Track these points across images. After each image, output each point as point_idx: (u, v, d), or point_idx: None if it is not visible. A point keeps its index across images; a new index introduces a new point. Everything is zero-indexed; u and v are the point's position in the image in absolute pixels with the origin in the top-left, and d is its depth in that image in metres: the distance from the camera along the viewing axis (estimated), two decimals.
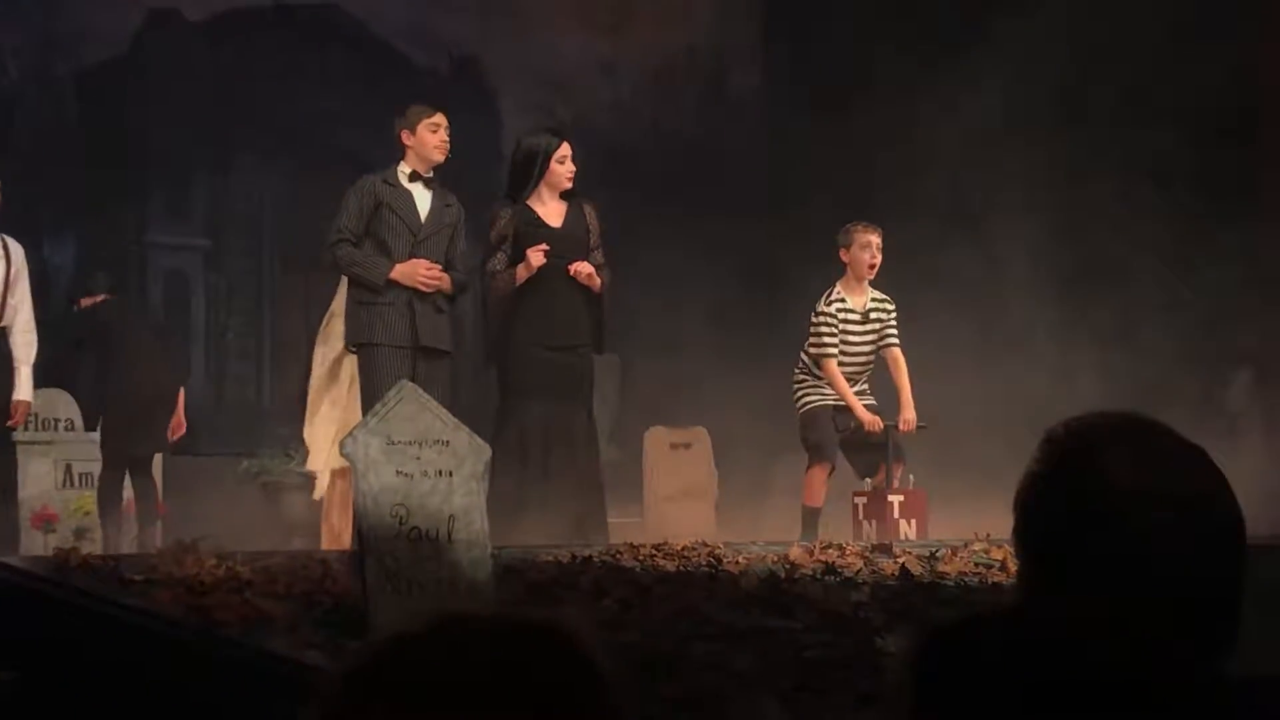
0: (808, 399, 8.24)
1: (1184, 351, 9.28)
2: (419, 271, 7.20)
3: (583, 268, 7.54)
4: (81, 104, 12.26)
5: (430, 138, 7.32)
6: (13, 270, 7.80)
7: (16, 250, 7.91)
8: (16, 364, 7.77)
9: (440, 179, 7.43)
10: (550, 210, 7.64)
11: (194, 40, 12.56)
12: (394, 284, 7.21)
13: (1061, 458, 1.60)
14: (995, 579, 5.54)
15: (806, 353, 8.24)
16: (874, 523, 7.90)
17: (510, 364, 7.61)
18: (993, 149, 9.76)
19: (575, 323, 7.62)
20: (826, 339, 8.12)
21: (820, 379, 8.15)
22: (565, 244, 7.59)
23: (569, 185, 7.69)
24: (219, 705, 4.01)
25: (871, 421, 8.02)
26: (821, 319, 8.15)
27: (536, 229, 7.56)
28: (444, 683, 1.19)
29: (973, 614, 1.54)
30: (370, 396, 7.09)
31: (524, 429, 7.44)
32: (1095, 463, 1.58)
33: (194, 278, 11.91)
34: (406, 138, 7.35)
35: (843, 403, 8.09)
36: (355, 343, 7.35)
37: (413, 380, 6.87)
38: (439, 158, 7.37)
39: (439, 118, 7.38)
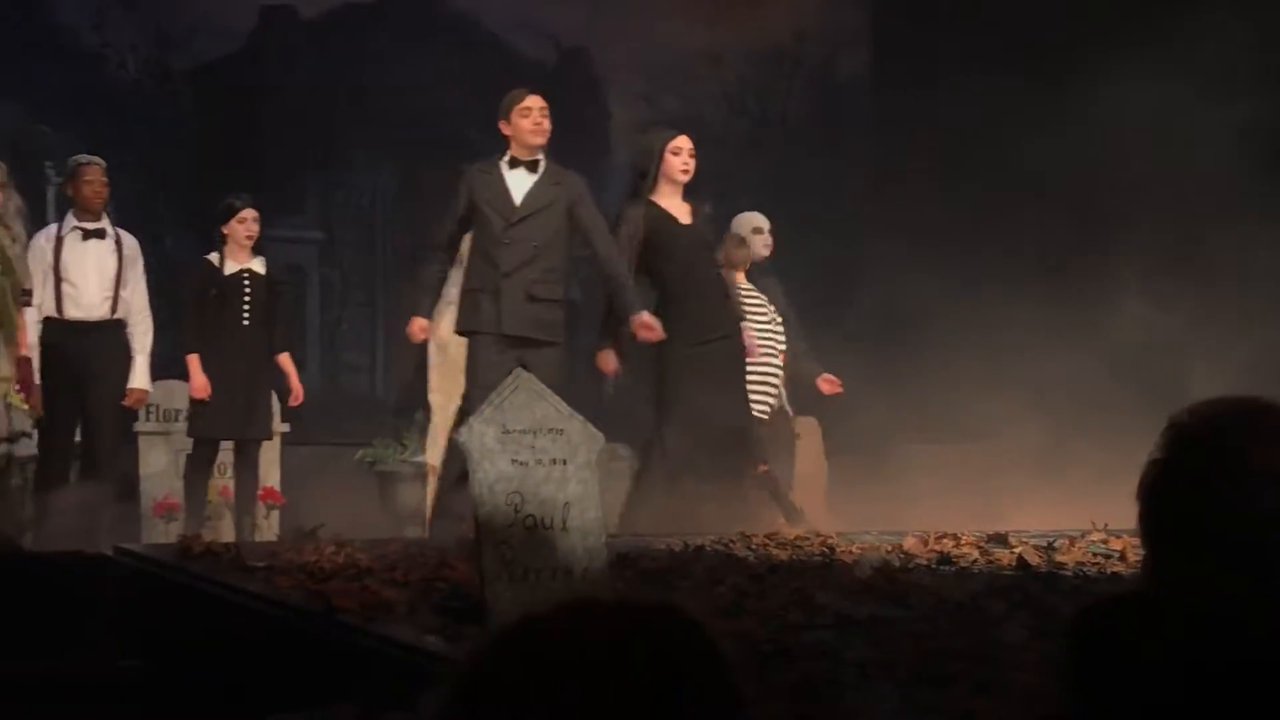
0: None
1: None
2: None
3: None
4: (197, 100, 12.46)
5: (523, 123, 7.18)
6: (126, 262, 7.95)
7: (130, 243, 8.06)
8: (133, 353, 7.93)
9: (552, 158, 7.34)
10: (676, 206, 7.60)
11: (306, 36, 12.73)
12: (484, 267, 7.15)
13: (1187, 444, 1.59)
14: (1114, 569, 5.48)
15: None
16: None
17: (663, 364, 7.59)
18: (1104, 124, 9.60)
19: (720, 313, 7.61)
20: None
21: None
22: (696, 241, 7.59)
23: (685, 179, 7.62)
24: (340, 690, 4.07)
25: None
26: None
27: (670, 225, 7.54)
28: (570, 663, 1.21)
29: (1124, 593, 1.54)
30: (470, 383, 7.17)
31: (685, 425, 7.41)
32: (1221, 448, 1.56)
33: (309, 270, 12.07)
34: (504, 127, 7.25)
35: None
36: (459, 331, 7.39)
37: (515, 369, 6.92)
38: (535, 141, 7.18)
39: (530, 100, 7.21)
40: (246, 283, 8.19)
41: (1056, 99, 9.47)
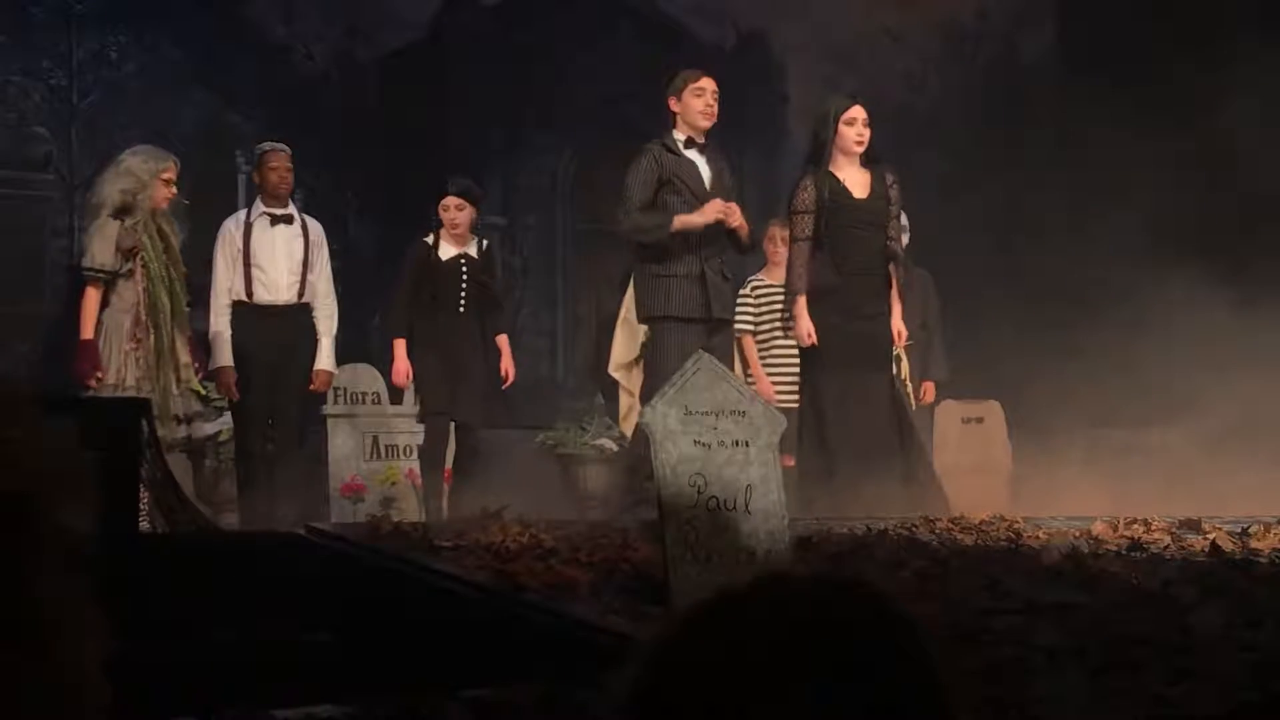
0: None
1: None
2: (714, 208, 7.18)
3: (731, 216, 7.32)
4: (383, 88, 12.67)
5: (695, 103, 7.30)
6: (312, 247, 8.11)
7: (315, 228, 8.22)
8: (319, 336, 8.08)
9: (715, 143, 7.42)
10: (852, 178, 7.51)
11: (489, 23, 12.88)
12: (683, 252, 7.20)
13: None
14: None
15: None
16: None
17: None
18: None
19: (869, 294, 7.50)
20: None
21: None
22: (868, 214, 7.49)
23: (859, 150, 7.51)
24: (526, 667, 4.12)
25: None
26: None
27: (843, 199, 7.44)
28: (767, 638, 1.20)
29: None
30: (659, 370, 7.15)
31: (826, 400, 7.36)
32: None
33: (492, 255, 12.18)
34: (674, 104, 7.36)
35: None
36: (647, 317, 7.43)
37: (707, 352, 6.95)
38: (704, 124, 7.31)
39: (704, 82, 7.34)
40: (463, 267, 8.11)
41: (1259, 72, 9.17)
